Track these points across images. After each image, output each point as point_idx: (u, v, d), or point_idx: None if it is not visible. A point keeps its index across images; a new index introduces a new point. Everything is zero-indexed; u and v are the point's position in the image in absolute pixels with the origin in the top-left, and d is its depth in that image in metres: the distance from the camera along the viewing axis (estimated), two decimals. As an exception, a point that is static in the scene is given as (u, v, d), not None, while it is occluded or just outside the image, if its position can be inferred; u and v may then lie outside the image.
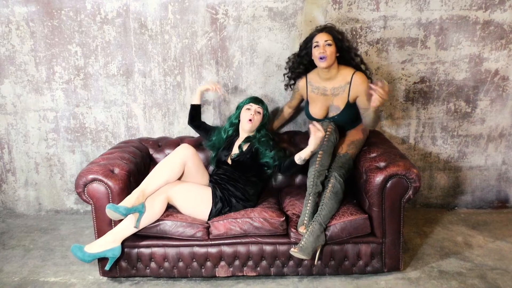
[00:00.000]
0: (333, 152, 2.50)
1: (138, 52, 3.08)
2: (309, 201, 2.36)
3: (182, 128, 3.21)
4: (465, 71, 3.10)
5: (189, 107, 3.15)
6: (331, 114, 2.62)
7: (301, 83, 2.71)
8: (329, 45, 2.46)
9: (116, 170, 2.43)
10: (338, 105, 2.57)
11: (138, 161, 2.68)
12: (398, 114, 3.18)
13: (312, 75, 2.66)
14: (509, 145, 3.26)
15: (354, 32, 3.01)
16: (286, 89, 2.90)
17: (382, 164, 2.38)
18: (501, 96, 3.16)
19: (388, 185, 2.32)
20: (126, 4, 2.99)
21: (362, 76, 2.51)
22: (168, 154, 2.84)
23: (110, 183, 2.34)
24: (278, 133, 3.09)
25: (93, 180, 2.34)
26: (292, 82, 2.79)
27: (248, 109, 2.66)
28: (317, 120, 2.65)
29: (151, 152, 2.92)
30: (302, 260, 2.41)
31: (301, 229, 2.30)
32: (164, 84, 3.13)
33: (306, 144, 2.89)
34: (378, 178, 2.31)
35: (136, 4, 2.99)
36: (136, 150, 2.76)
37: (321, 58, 2.44)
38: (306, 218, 2.32)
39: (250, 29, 3.01)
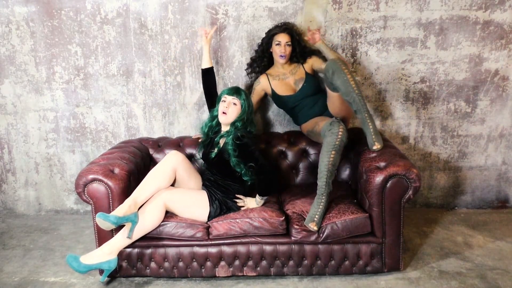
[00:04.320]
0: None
1: (138, 52, 3.08)
2: (322, 201, 2.35)
3: (182, 128, 3.21)
4: (465, 71, 3.10)
5: (189, 108, 3.15)
6: (299, 87, 2.82)
7: (263, 78, 2.91)
8: (289, 45, 2.82)
9: (116, 170, 2.43)
10: (301, 76, 2.85)
11: (138, 161, 2.68)
12: (398, 114, 3.19)
13: (270, 70, 2.94)
14: (509, 145, 3.26)
15: (354, 32, 3.02)
16: (249, 74, 3.03)
17: (382, 164, 2.38)
18: (501, 96, 3.16)
19: (388, 185, 2.32)
20: (126, 4, 2.99)
21: (308, 60, 2.91)
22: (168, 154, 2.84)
23: (110, 183, 2.34)
24: (277, 134, 3.10)
25: (93, 180, 2.34)
26: (256, 70, 2.98)
27: (223, 101, 2.48)
28: (289, 98, 2.80)
29: (151, 152, 2.92)
30: (302, 259, 2.41)
31: (312, 225, 2.31)
32: (164, 84, 3.13)
33: (304, 144, 2.91)
34: (378, 178, 2.31)
35: (136, 4, 2.99)
36: (136, 150, 2.76)
37: (281, 56, 2.82)
38: (317, 217, 2.32)
39: (250, 29, 3.01)
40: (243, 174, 2.45)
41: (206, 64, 2.75)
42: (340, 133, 2.38)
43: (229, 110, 2.46)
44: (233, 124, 2.48)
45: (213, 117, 2.60)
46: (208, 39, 2.76)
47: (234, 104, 2.47)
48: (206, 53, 2.75)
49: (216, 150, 2.50)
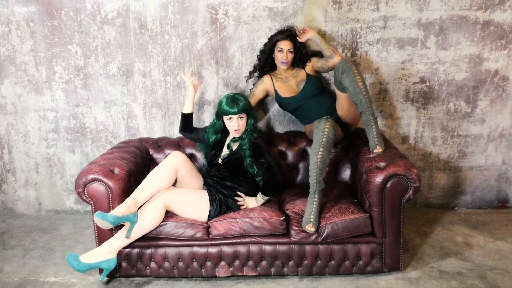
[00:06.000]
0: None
1: (138, 52, 3.08)
2: (315, 199, 2.36)
3: (182, 128, 3.21)
4: (465, 71, 3.10)
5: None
6: (300, 88, 2.84)
7: (266, 79, 2.92)
8: (291, 52, 2.83)
9: (116, 170, 2.43)
10: (302, 78, 2.88)
11: (138, 161, 2.68)
12: (398, 114, 3.19)
13: (273, 72, 2.97)
14: (509, 145, 3.26)
15: (354, 32, 3.02)
16: (247, 80, 3.02)
17: (382, 164, 2.39)
18: (501, 96, 3.16)
19: (388, 185, 2.32)
20: (126, 4, 2.99)
21: (308, 64, 2.91)
22: (168, 154, 2.84)
23: (110, 183, 2.34)
24: (277, 134, 3.10)
25: (93, 180, 2.34)
26: (256, 75, 2.99)
27: (230, 119, 2.52)
28: (291, 99, 2.83)
29: (151, 152, 2.92)
30: (302, 259, 2.42)
31: (309, 227, 2.31)
32: (164, 84, 3.13)
33: (304, 144, 2.91)
34: (378, 178, 2.31)
35: (136, 4, 2.99)
36: (136, 150, 2.76)
37: (283, 63, 2.83)
38: (312, 217, 2.32)
39: (250, 29, 3.01)
40: (255, 175, 2.51)
41: (189, 110, 2.71)
42: (326, 129, 2.39)
43: (240, 126, 2.52)
44: (245, 130, 2.56)
45: (217, 131, 2.64)
46: (196, 87, 2.73)
47: (241, 117, 2.52)
48: (192, 100, 2.70)
49: (228, 151, 2.57)
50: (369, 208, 2.39)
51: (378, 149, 2.43)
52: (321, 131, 2.40)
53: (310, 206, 2.35)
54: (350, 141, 2.86)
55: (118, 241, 2.30)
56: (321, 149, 2.37)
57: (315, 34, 2.76)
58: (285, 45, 2.80)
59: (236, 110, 2.48)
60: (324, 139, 2.38)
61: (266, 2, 2.97)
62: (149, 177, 2.41)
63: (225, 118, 2.54)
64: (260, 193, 2.50)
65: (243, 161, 2.53)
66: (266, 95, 2.99)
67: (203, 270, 2.44)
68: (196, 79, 2.85)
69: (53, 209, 3.40)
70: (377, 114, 3.16)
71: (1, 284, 2.44)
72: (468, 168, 3.30)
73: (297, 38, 2.82)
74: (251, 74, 2.99)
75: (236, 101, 2.50)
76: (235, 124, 2.51)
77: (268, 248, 2.40)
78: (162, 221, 2.35)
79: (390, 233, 2.38)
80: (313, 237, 2.35)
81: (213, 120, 2.66)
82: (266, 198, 2.50)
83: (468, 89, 3.14)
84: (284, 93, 2.86)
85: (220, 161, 2.62)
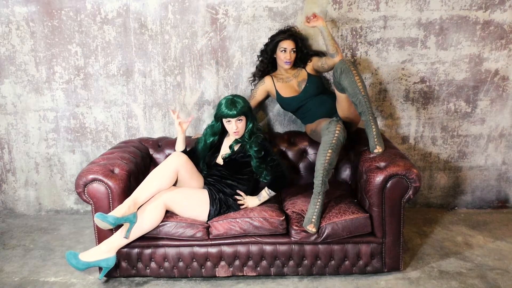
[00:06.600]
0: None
1: (138, 52, 3.08)
2: (319, 200, 2.35)
3: (182, 128, 3.21)
4: (465, 71, 3.10)
5: (189, 107, 3.16)
6: (302, 88, 2.84)
7: (267, 79, 2.92)
8: (294, 52, 2.84)
9: (116, 170, 2.43)
10: (303, 78, 2.88)
11: (138, 161, 2.68)
12: (398, 114, 3.19)
13: (274, 73, 2.97)
14: (509, 145, 3.26)
15: (354, 32, 3.02)
16: (252, 82, 3.02)
17: (382, 164, 2.39)
18: (501, 96, 3.16)
19: (388, 185, 2.32)
20: (126, 4, 2.99)
21: (309, 63, 2.91)
22: (168, 154, 2.85)
23: (110, 183, 2.34)
24: (277, 134, 3.10)
25: (93, 180, 2.34)
26: (258, 76, 2.98)
27: (229, 121, 2.51)
28: (293, 99, 2.83)
29: (151, 152, 2.92)
30: (302, 259, 2.42)
31: (310, 227, 2.31)
32: (164, 84, 3.13)
33: (304, 144, 2.91)
34: (378, 178, 2.31)
35: (136, 4, 2.99)
36: (136, 150, 2.76)
37: (286, 62, 2.83)
38: (314, 217, 2.32)
39: (250, 29, 3.01)
40: (262, 176, 2.54)
41: (180, 149, 2.66)
42: (337, 131, 2.39)
43: (239, 128, 2.52)
44: (246, 131, 2.57)
45: (215, 133, 2.64)
46: (184, 128, 2.64)
47: (240, 120, 2.51)
48: (182, 140, 2.64)
49: (230, 151, 2.58)
50: (369, 208, 2.39)
51: (378, 149, 2.43)
52: (332, 133, 2.39)
53: (313, 207, 2.35)
54: (350, 141, 2.86)
55: (117, 240, 2.30)
56: (330, 151, 2.37)
57: (324, 25, 2.65)
58: (288, 44, 2.80)
59: (235, 112, 2.47)
60: (334, 141, 2.37)
61: (266, 2, 2.97)
62: (149, 177, 2.41)
63: (224, 120, 2.54)
64: (266, 188, 2.50)
65: (244, 161, 2.54)
66: (267, 96, 2.99)
67: (203, 270, 2.44)
68: (183, 116, 2.84)
69: (53, 209, 3.40)
70: (377, 114, 3.17)
71: (1, 284, 2.44)
72: (468, 168, 3.30)
73: (305, 23, 2.73)
74: (255, 76, 2.99)
75: (234, 104, 2.49)
76: (234, 127, 2.51)
77: (268, 248, 2.40)
78: (162, 221, 2.35)
79: (390, 233, 2.38)
80: (313, 237, 2.35)
81: (212, 122, 2.65)
82: (273, 194, 2.52)
83: (468, 89, 3.14)
84: (286, 93, 2.86)
85: (221, 161, 2.62)
